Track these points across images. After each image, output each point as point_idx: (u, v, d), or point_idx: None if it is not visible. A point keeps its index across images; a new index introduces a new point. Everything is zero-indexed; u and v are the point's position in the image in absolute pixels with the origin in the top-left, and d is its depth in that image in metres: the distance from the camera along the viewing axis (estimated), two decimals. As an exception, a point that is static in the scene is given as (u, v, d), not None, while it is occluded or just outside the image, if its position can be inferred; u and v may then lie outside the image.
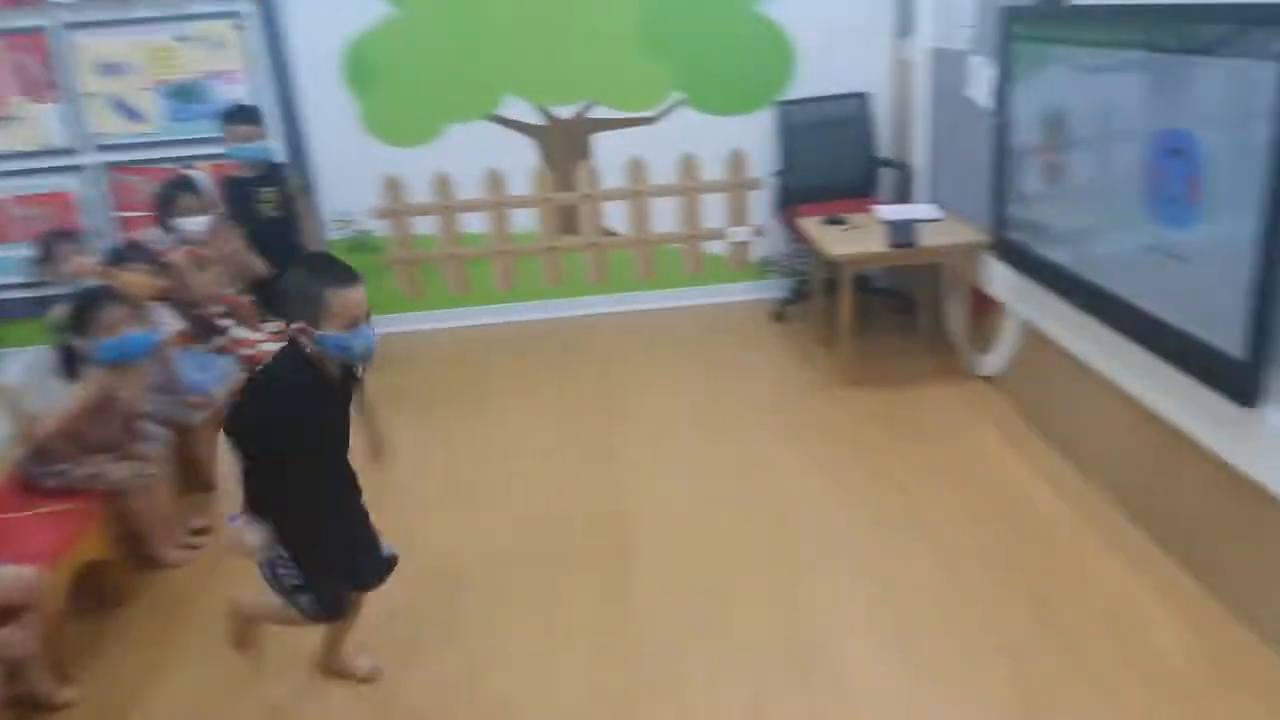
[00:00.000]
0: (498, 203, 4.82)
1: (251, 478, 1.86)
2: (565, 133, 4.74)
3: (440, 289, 4.94)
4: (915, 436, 3.36)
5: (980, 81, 3.49)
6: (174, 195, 3.72)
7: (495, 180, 4.78)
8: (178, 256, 3.65)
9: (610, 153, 4.78)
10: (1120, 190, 2.51)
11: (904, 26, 4.40)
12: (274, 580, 2.05)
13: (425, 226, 4.83)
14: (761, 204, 4.87)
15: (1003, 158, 3.20)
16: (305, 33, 4.45)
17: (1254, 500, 2.17)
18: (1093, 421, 2.94)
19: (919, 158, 4.28)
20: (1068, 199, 2.84)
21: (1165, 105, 2.29)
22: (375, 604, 2.33)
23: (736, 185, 4.85)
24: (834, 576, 2.61)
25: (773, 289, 4.92)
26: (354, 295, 1.85)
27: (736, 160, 4.81)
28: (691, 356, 4.32)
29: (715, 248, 4.97)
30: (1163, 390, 2.46)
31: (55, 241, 3.42)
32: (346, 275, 1.87)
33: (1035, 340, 3.27)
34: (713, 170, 4.83)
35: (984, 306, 3.68)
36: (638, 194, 4.85)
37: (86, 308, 2.71)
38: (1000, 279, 3.43)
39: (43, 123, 4.50)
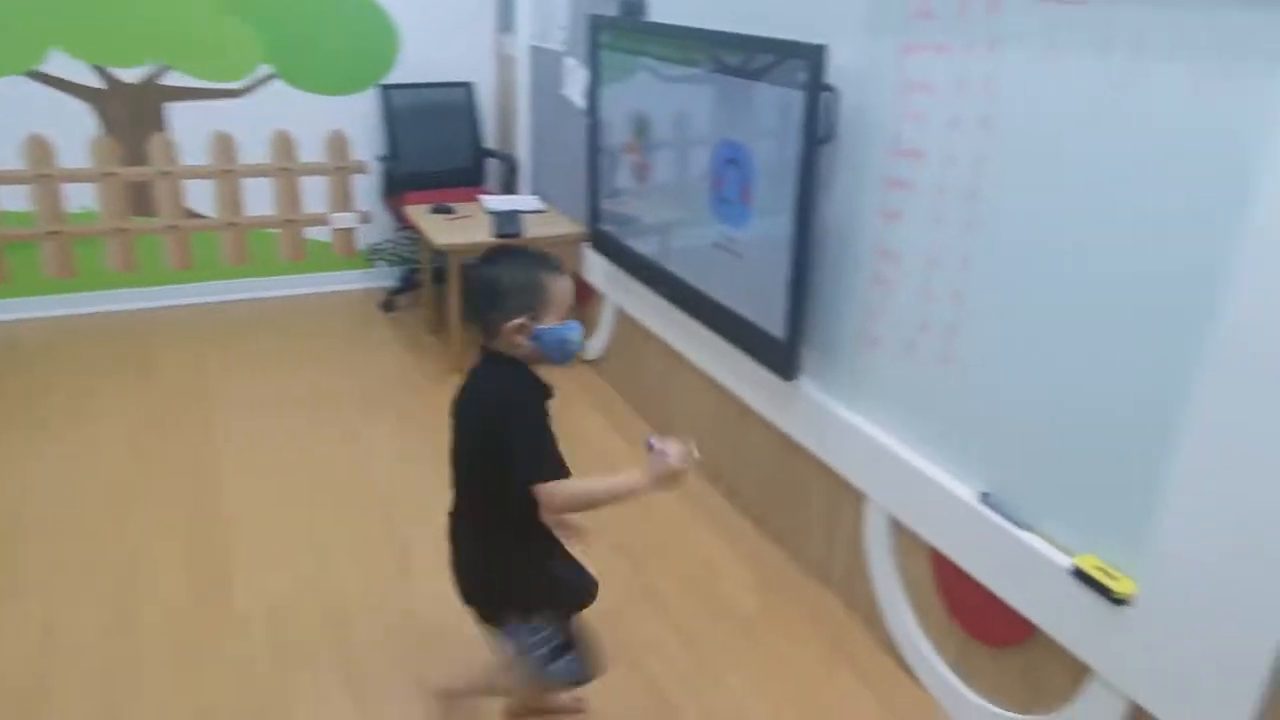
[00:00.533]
0: (47, 175, 4.09)
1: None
2: (132, 99, 4.16)
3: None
4: (525, 421, 3.49)
5: (575, 82, 3.70)
6: None
7: (40, 149, 4.05)
8: None
9: (191, 125, 4.29)
10: (692, 191, 2.82)
11: (505, 22, 4.51)
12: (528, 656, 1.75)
13: (-58, 200, 3.96)
14: (367, 189, 4.70)
15: (595, 155, 3.43)
16: None
17: (798, 458, 2.58)
18: (679, 399, 3.29)
19: (522, 150, 4.43)
20: (650, 196, 3.13)
21: (724, 119, 2.61)
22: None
23: (339, 169, 4.63)
24: (445, 572, 2.62)
25: (381, 277, 4.79)
26: (565, 283, 1.66)
27: (338, 142, 4.58)
28: (294, 349, 4.05)
29: (318, 234, 4.70)
30: (731, 369, 2.82)
31: None
32: (555, 263, 1.67)
33: (629, 325, 3.57)
34: (312, 151, 4.55)
35: (584, 294, 3.92)
36: (227, 173, 4.42)
37: None
38: (596, 268, 3.68)
39: None
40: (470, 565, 1.79)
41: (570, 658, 1.80)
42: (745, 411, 2.82)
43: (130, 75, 4.13)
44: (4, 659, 2.18)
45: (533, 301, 1.62)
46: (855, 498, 2.38)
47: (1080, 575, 1.71)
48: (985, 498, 1.95)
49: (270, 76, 4.36)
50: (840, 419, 2.35)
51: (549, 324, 1.63)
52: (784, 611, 2.50)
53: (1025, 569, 1.84)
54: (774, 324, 2.44)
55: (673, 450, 1.60)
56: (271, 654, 2.25)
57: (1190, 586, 1.53)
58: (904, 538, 2.23)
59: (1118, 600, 1.65)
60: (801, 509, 2.64)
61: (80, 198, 4.19)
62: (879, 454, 2.23)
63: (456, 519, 1.82)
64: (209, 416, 3.41)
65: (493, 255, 1.69)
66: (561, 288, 1.64)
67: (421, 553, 2.68)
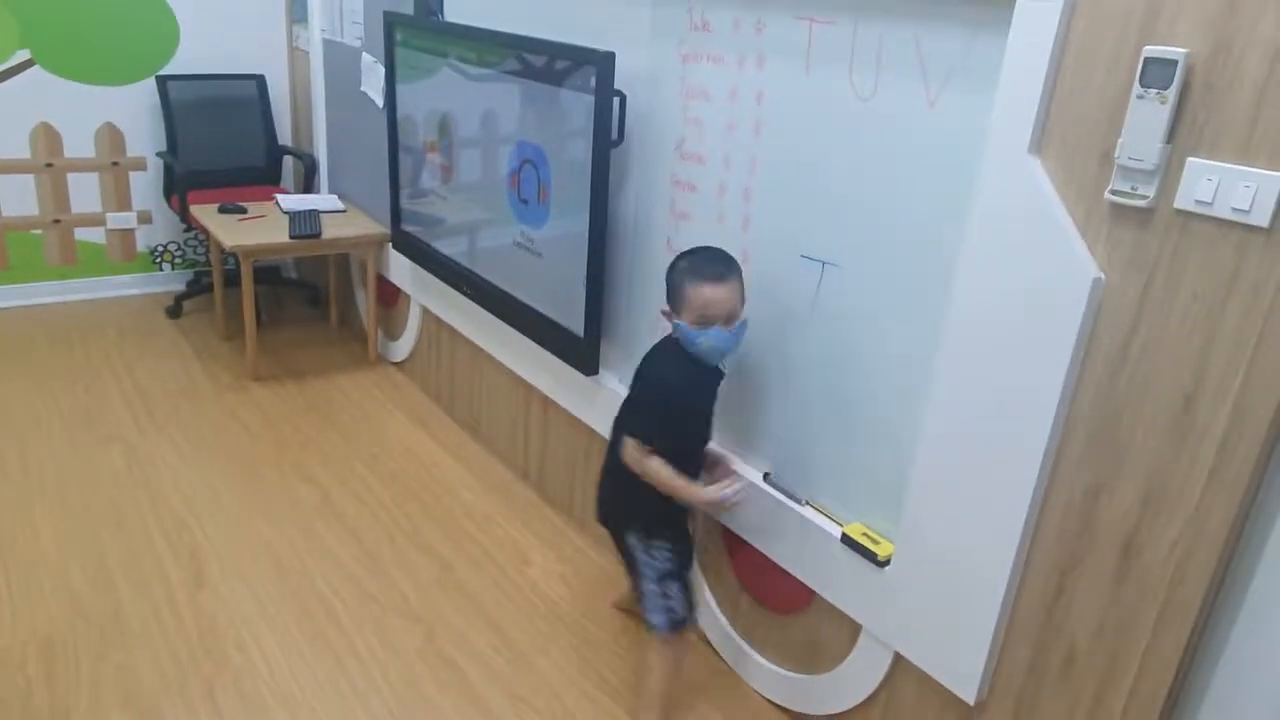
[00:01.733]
0: None
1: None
2: None
3: None
4: (327, 427, 3.39)
5: (373, 80, 3.62)
6: None
7: None
8: None
9: (-69, 114, 3.85)
10: (492, 191, 2.85)
11: (298, 12, 4.34)
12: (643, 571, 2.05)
13: None
14: (147, 187, 4.38)
15: (395, 155, 3.38)
16: None
17: (598, 448, 2.66)
18: (487, 398, 3.30)
19: (320, 148, 4.28)
20: (451, 196, 3.12)
21: (520, 121, 2.65)
22: None
23: (113, 166, 4.29)
24: (243, 579, 2.52)
25: (167, 281, 4.48)
26: (712, 293, 1.83)
27: (112, 136, 4.25)
28: (65, 359, 3.72)
29: (91, 235, 4.34)
30: (536, 366, 2.87)
31: None
32: (712, 272, 1.84)
33: (435, 326, 3.54)
34: (81, 146, 4.19)
35: (390, 295, 3.85)
36: (-23, 167, 4.00)
37: None
38: (401, 269, 3.63)
39: None
40: (601, 487, 2.15)
41: (678, 587, 2.03)
42: (551, 406, 2.88)
43: None
44: None
45: (672, 297, 1.89)
46: (656, 485, 2.49)
47: (848, 541, 1.89)
48: (767, 477, 2.10)
49: (28, 63, 3.98)
50: (639, 410, 2.45)
51: (684, 322, 1.86)
52: (591, 596, 2.57)
53: (803, 540, 2.01)
54: (574, 322, 2.51)
55: (736, 488, 1.95)
56: (49, 690, 2.08)
57: (933, 548, 1.73)
58: (702, 519, 2.36)
59: (880, 563, 1.83)
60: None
61: None
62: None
63: (607, 451, 2.10)
64: (-38, 437, 3.08)
65: (689, 250, 1.94)
66: (700, 295, 1.82)
67: (215, 563, 2.56)
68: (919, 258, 1.70)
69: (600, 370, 2.54)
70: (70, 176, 4.20)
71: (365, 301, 4.02)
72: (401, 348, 3.84)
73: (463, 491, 3.05)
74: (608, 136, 2.29)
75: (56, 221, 4.23)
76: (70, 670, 2.15)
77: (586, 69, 2.30)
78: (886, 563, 1.83)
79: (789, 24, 1.86)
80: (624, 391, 2.50)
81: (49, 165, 4.14)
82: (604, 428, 2.61)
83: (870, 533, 1.89)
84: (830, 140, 1.83)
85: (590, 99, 2.29)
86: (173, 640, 2.27)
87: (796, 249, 1.94)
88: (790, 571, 2.07)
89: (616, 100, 2.28)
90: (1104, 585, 1.49)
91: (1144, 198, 1.34)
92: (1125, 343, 1.40)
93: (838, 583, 1.96)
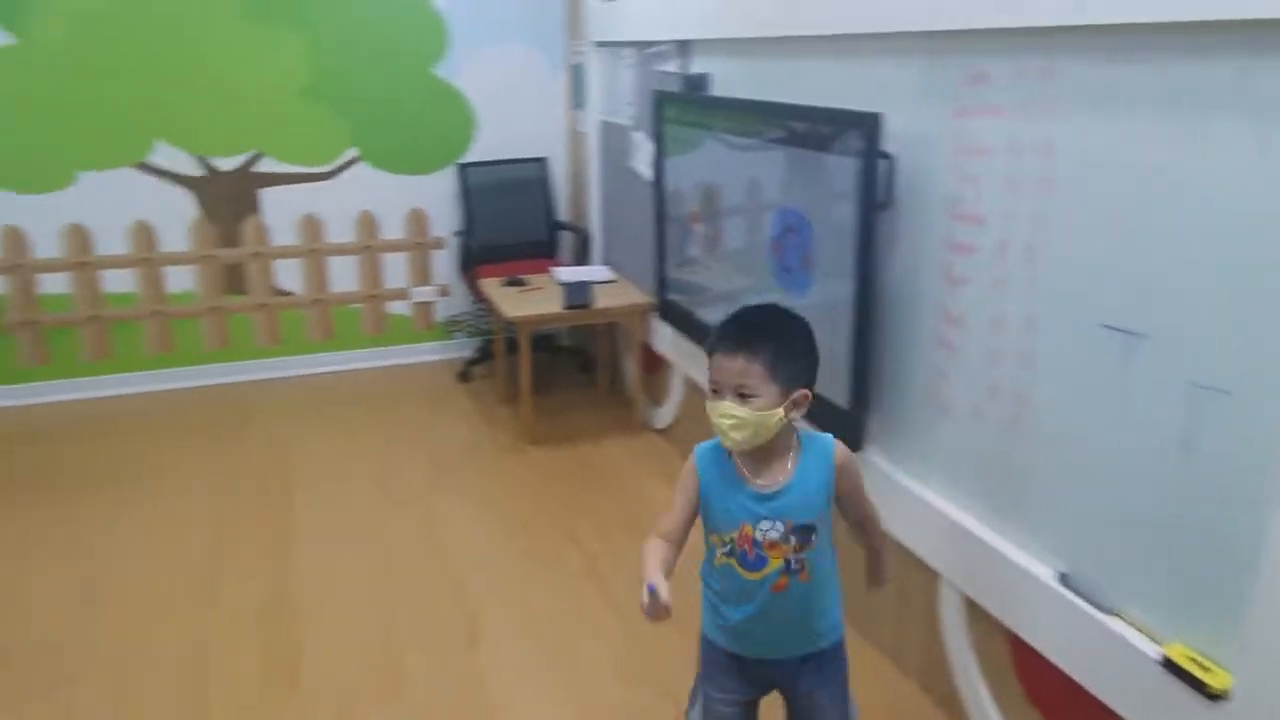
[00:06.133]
0: (147, 259, 4.36)
1: None
2: (229, 186, 4.42)
3: (75, 355, 4.35)
4: (595, 491, 3.48)
5: (642, 155, 3.76)
6: None
7: (144, 234, 4.33)
8: None
9: (281, 208, 4.53)
10: (754, 259, 2.81)
11: (577, 98, 4.65)
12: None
13: (56, 285, 4.25)
14: (445, 264, 4.85)
15: (662, 226, 3.46)
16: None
17: (867, 532, 2.48)
18: (746, 468, 3.22)
19: (594, 222, 4.51)
20: (715, 265, 3.13)
21: (784, 187, 2.60)
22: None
23: (418, 244, 4.80)
24: (513, 640, 2.61)
25: (458, 349, 4.90)
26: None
27: (418, 219, 4.76)
28: (374, 420, 4.16)
29: (398, 308, 4.86)
30: (796, 438, 2.75)
31: None
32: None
33: (697, 394, 3.54)
34: (393, 229, 4.74)
35: (654, 363, 3.92)
36: (313, 252, 4.63)
37: None
38: (665, 337, 3.68)
39: None
40: None
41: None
42: (813, 482, 2.74)
43: (228, 163, 4.39)
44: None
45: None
46: (928, 576, 2.26)
47: (1170, 666, 1.58)
48: (1064, 578, 1.83)
49: (355, 159, 4.58)
50: (909, 491, 2.26)
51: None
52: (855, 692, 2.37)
53: (1109, 656, 1.71)
54: (838, 393, 2.38)
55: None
56: (333, 729, 2.26)
57: (1294, 682, 1.39)
58: (980, 619, 2.11)
59: (1213, 695, 1.51)
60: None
61: (180, 279, 4.44)
62: (950, 529, 2.13)
63: None
64: (290, 486, 3.50)
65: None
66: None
67: (489, 622, 2.66)
68: (1251, 317, 1.41)
69: (865, 445, 2.38)
70: (384, 256, 4.75)
71: (631, 368, 4.13)
72: (665, 415, 3.89)
73: (721, 565, 2.98)
74: (874, 200, 2.17)
75: (372, 296, 4.79)
76: (365, 715, 2.31)
77: (851, 132, 2.20)
78: (1222, 696, 1.50)
79: (1082, 68, 1.66)
80: (890, 469, 2.33)
81: (367, 247, 4.71)
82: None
83: (1198, 657, 1.56)
84: (1141, 194, 1.58)
85: (855, 162, 2.19)
86: (447, 696, 2.38)
87: (1097, 316, 1.69)
88: (1091, 692, 1.77)
89: (884, 162, 2.16)
90: None
91: None
92: None
93: (1153, 712, 1.63)
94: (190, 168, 4.33)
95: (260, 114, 4.35)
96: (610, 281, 4.10)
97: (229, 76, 4.24)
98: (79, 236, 4.22)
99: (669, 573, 1.59)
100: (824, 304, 2.43)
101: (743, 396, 1.51)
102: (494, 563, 3.01)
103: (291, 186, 4.51)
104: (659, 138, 3.38)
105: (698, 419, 3.58)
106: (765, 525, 1.58)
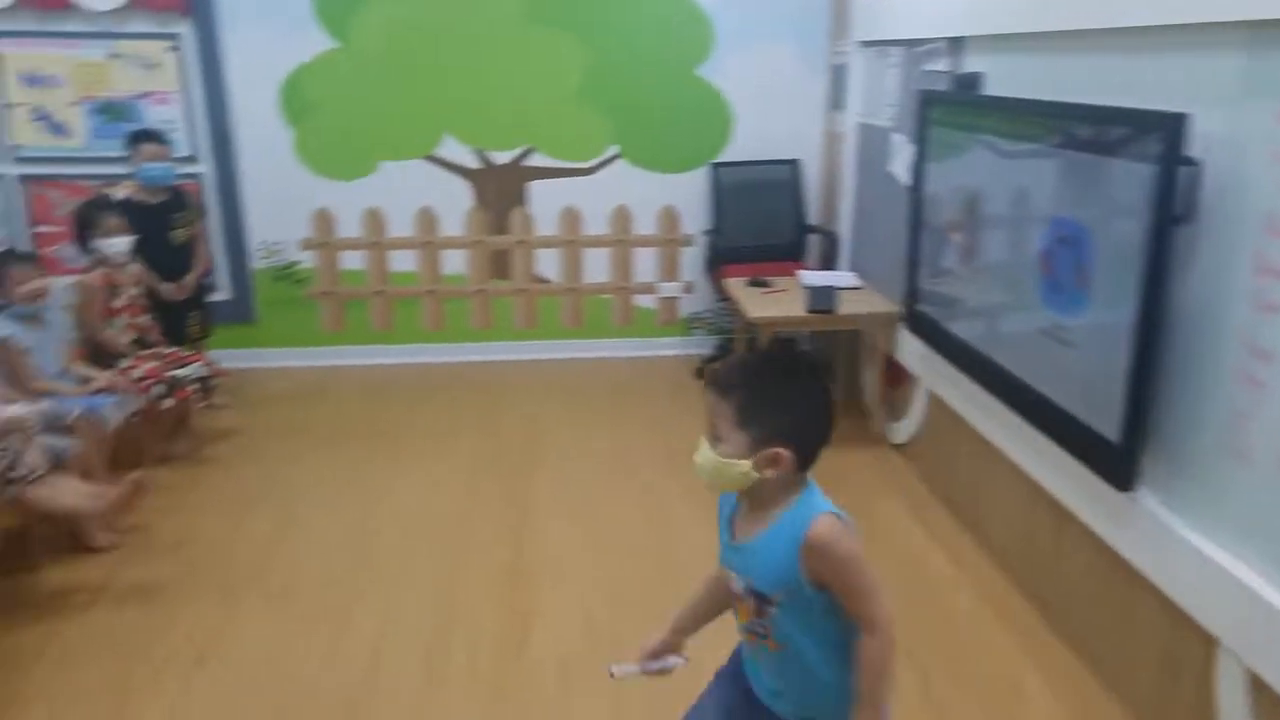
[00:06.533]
0: (429, 242, 4.80)
1: None
2: (502, 178, 4.76)
3: (364, 325, 4.88)
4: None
5: (900, 158, 3.61)
6: (97, 215, 3.62)
7: (428, 219, 4.77)
8: (92, 278, 3.56)
9: (545, 200, 4.81)
10: (1019, 273, 2.60)
11: (836, 100, 4.55)
12: None
13: (354, 261, 4.79)
14: (692, 261, 4.93)
15: (917, 233, 3.30)
16: (244, 59, 4.43)
17: (1129, 581, 2.23)
18: (991, 495, 3.01)
19: (844, 227, 4.39)
20: (974, 277, 2.94)
21: (1060, 196, 2.39)
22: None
23: (668, 241, 4.92)
24: (729, 636, 2.60)
25: (699, 345, 4.97)
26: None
27: (669, 216, 4.88)
28: (615, 407, 4.32)
29: (645, 301, 5.01)
30: (1052, 469, 2.53)
31: (6, 261, 3.25)
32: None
33: (941, 411, 3.35)
34: (645, 225, 4.89)
35: (896, 375, 3.76)
36: (571, 243, 4.88)
37: None
38: (911, 349, 3.52)
39: (-40, 129, 4.38)
40: None
41: None
42: (1067, 519, 2.50)
43: (503, 157, 4.73)
44: (334, 680, 2.47)
45: None
46: (1204, 641, 1.99)
47: None
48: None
49: (615, 157, 4.77)
50: (1189, 544, 1.99)
51: None
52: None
53: None
54: (1108, 424, 2.15)
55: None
56: (559, 702, 2.37)
57: None
58: (1269, 699, 1.82)
59: None
60: (1131, 642, 2.26)
61: (453, 262, 4.85)
62: (1240, 593, 1.85)
63: None
64: (534, 461, 3.72)
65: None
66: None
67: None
68: None
69: (1137, 486, 2.13)
70: (635, 250, 4.91)
71: (870, 378, 3.99)
72: (904, 430, 3.72)
73: (953, 595, 2.80)
74: (1170, 211, 1.94)
75: (621, 289, 4.97)
76: (579, 690, 2.41)
77: (1150, 135, 1.98)
78: None
79: None
80: (1164, 514, 2.07)
81: (620, 241, 4.90)
82: (1138, 556, 2.18)
83: None
84: None
85: (1151, 169, 1.96)
86: (660, 678, 2.42)
87: None
88: None
89: (1187, 169, 1.92)
90: None
91: None
92: None
93: None
94: (471, 160, 4.71)
95: (535, 112, 4.65)
96: (856, 288, 3.97)
97: (511, 78, 4.57)
98: (375, 220, 4.73)
99: (682, 626, 1.68)
100: (1099, 326, 2.21)
101: (716, 439, 1.41)
102: (713, 552, 3.02)
103: (556, 181, 4.78)
104: (921, 140, 3.23)
105: (940, 437, 3.39)
106: (734, 576, 1.51)
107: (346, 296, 4.83)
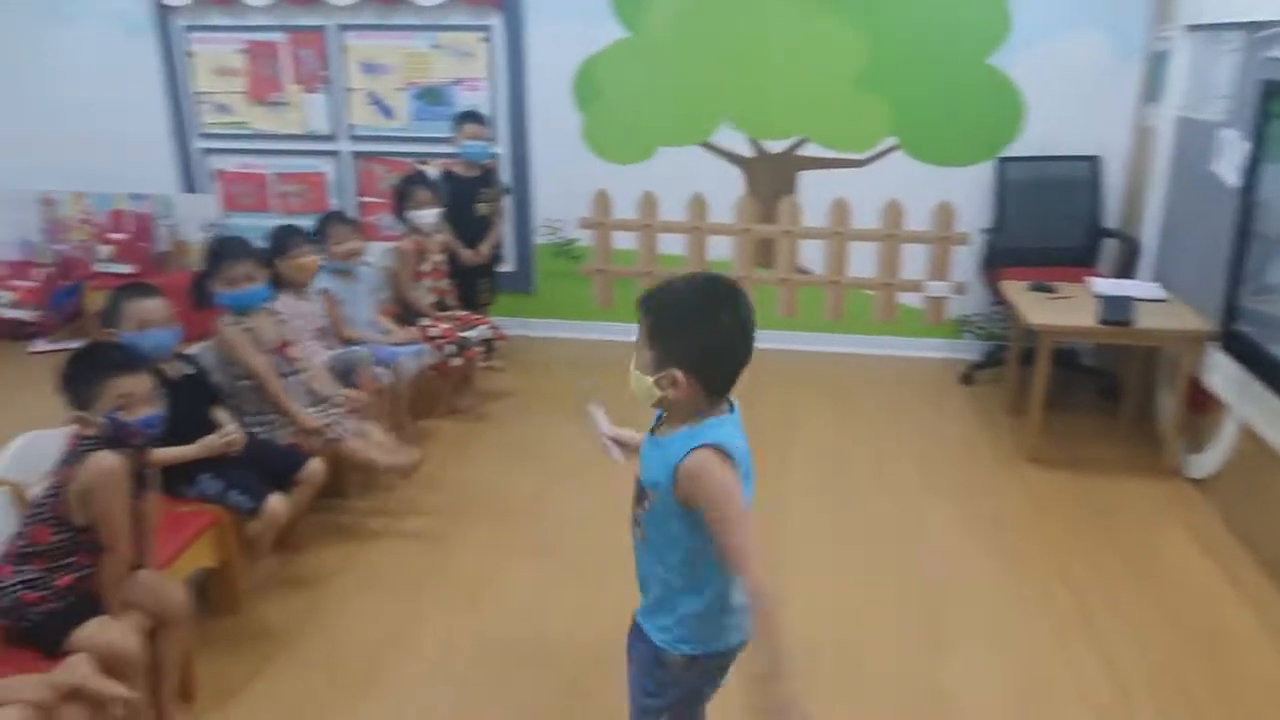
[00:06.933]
0: (698, 227, 4.92)
1: None
2: (773, 167, 4.77)
3: (631, 304, 5.08)
4: (1098, 531, 3.11)
5: (1229, 157, 3.20)
6: (411, 189, 4.07)
7: (699, 205, 4.88)
8: (406, 244, 4.01)
9: (815, 191, 4.76)
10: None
11: (1151, 91, 4.11)
12: None
13: (626, 241, 5.01)
14: (966, 260, 4.68)
15: (1244, 242, 2.92)
16: (543, 49, 4.75)
17: None
18: (1312, 548, 2.62)
19: (1149, 232, 3.97)
20: (1315, 298, 2.56)
21: None
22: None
23: (942, 238, 4.69)
24: (982, 669, 2.47)
25: (966, 350, 4.71)
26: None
27: (944, 212, 4.65)
28: (871, 406, 4.21)
29: (911, 299, 4.82)
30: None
31: (331, 221, 3.72)
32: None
33: (1256, 446, 2.95)
34: (918, 220, 4.70)
35: (1201, 401, 3.36)
36: (838, 235, 4.80)
37: (217, 256, 2.89)
38: (1224, 373, 3.12)
39: (310, 110, 5.06)
40: None
41: None
42: None
43: (775, 146, 4.74)
44: (588, 636, 2.64)
45: None
46: None
47: None
48: None
49: (893, 148, 4.62)
50: None
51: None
52: None
53: None
54: None
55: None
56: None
57: None
58: None
59: None
60: None
61: (719, 248, 4.93)
62: None
63: None
64: (788, 453, 3.72)
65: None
66: None
67: (956, 635, 2.57)
68: None
69: None
70: (904, 246, 4.74)
71: (1167, 403, 3.59)
72: (1205, 463, 3.31)
73: (1257, 659, 2.47)
74: None
75: (886, 285, 4.82)
76: (818, 676, 2.40)
77: None
78: None
79: None
80: None
81: (891, 235, 4.74)
82: None
83: None
84: None
85: None
86: (901, 694, 2.35)
87: None
88: None
89: None
90: None
91: None
92: None
93: None
94: (744, 148, 4.76)
95: (812, 101, 4.61)
96: (1159, 300, 3.58)
97: (790, 65, 4.55)
98: (649, 203, 4.92)
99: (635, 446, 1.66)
100: None
101: (636, 352, 1.51)
102: (970, 576, 2.87)
103: (828, 171, 4.71)
104: (1259, 137, 2.85)
105: (1251, 475, 2.99)
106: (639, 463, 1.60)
107: (617, 275, 5.06)
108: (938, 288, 4.76)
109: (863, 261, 4.82)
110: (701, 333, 1.46)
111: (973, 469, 3.58)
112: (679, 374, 1.44)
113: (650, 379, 1.47)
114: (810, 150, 4.71)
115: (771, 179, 4.79)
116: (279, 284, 3.18)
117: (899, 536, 3.10)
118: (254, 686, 2.38)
